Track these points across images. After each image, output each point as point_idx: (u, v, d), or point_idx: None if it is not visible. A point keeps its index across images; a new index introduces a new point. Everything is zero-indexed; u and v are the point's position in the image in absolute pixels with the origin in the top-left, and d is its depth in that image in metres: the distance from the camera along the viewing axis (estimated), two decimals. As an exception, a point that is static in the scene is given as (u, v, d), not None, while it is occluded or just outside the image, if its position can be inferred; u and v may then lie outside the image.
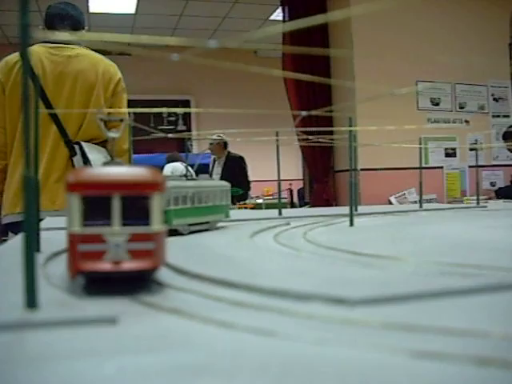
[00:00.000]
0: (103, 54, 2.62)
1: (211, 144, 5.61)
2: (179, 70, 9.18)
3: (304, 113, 1.26)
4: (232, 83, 9.36)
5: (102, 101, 2.52)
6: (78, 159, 2.46)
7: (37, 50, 2.51)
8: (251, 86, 9.36)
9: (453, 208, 2.62)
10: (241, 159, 5.85)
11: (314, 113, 1.27)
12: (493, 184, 6.15)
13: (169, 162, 5.96)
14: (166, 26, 8.60)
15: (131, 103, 2.64)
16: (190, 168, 1.45)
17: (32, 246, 0.55)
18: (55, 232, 1.23)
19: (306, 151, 6.08)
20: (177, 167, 5.72)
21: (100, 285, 0.66)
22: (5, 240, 2.39)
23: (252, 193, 7.71)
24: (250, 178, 6.34)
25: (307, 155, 6.15)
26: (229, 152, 5.76)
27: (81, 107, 2.49)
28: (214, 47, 0.62)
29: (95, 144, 2.53)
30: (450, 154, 6.06)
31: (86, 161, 2.42)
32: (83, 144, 2.47)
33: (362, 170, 4.99)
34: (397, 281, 0.70)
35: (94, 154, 2.45)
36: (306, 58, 5.97)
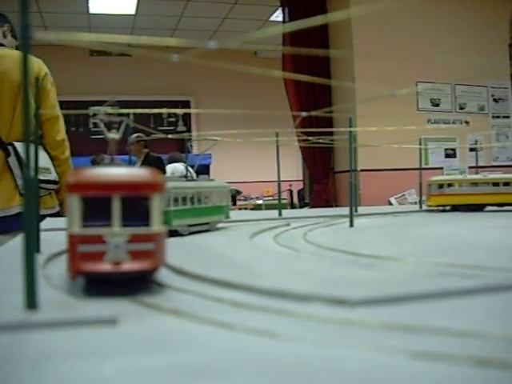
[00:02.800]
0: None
1: (131, 144, 5.49)
2: (179, 70, 9.18)
3: (304, 113, 1.26)
4: (232, 84, 9.36)
5: (31, 98, 2.49)
6: (12, 160, 2.43)
7: None
8: (251, 86, 9.37)
9: (453, 209, 2.61)
10: (158, 159, 5.66)
11: (314, 113, 1.27)
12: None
13: (170, 163, 5.90)
14: (166, 26, 8.60)
15: (131, 103, 2.63)
16: (190, 169, 1.46)
17: (32, 247, 0.55)
18: (55, 233, 1.23)
19: (306, 152, 6.08)
20: (177, 168, 5.65)
21: (100, 285, 0.66)
22: None
23: (253, 193, 7.70)
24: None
25: (307, 156, 6.15)
26: (148, 152, 5.62)
27: (9, 107, 2.49)
28: (214, 48, 0.62)
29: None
30: (450, 154, 6.06)
31: (21, 161, 2.40)
32: (16, 144, 2.47)
33: (361, 170, 4.99)
34: (396, 281, 0.70)
35: None
36: (305, 59, 5.97)
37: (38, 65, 2.56)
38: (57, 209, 2.63)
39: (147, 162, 5.42)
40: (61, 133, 2.65)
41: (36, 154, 0.92)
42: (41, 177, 2.30)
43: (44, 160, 2.50)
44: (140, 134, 5.58)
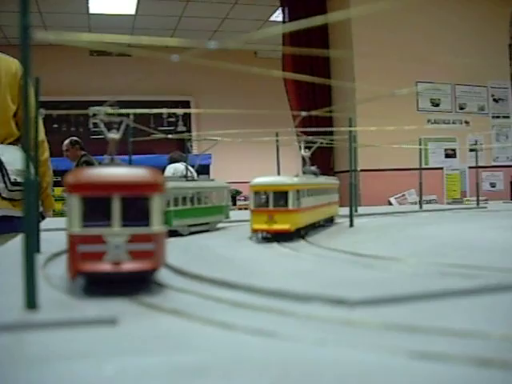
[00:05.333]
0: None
1: (66, 150, 5.45)
2: (179, 71, 9.17)
3: (304, 113, 1.26)
4: (232, 84, 9.35)
5: (9, 99, 2.47)
6: None
7: None
8: (251, 87, 9.36)
9: (453, 209, 2.62)
10: (89, 162, 5.52)
11: (314, 113, 1.27)
12: (493, 185, 6.16)
13: (171, 163, 5.79)
14: (166, 26, 8.59)
15: (131, 104, 2.62)
16: (191, 169, 1.45)
17: (32, 247, 0.55)
18: (55, 233, 1.23)
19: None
20: (178, 168, 5.52)
21: (100, 285, 0.66)
22: None
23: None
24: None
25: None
26: (83, 155, 5.54)
27: None
28: (214, 48, 0.62)
29: (10, 144, 2.46)
30: (450, 154, 6.06)
31: (1, 164, 2.36)
32: None
33: (361, 170, 4.98)
34: (397, 282, 0.70)
35: (8, 154, 2.38)
36: (305, 59, 5.97)
37: (15, 65, 2.54)
38: (39, 209, 2.60)
39: (80, 164, 5.37)
40: (40, 133, 2.62)
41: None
42: (20, 180, 2.28)
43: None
44: (73, 138, 5.58)
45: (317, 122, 5.03)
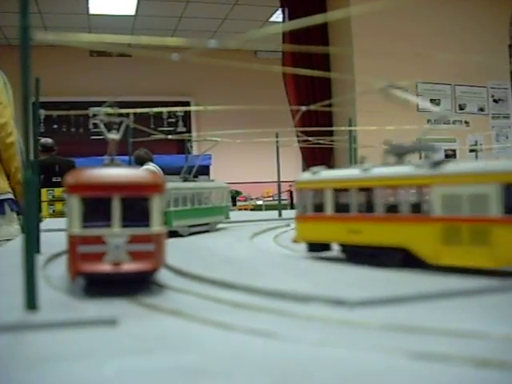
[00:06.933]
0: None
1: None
2: (179, 71, 9.16)
3: (304, 108, 1.26)
4: (232, 85, 9.35)
5: None
6: None
7: None
8: (251, 88, 9.36)
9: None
10: (42, 162, 5.50)
11: (313, 107, 1.27)
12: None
13: (138, 163, 5.26)
14: (166, 27, 8.59)
15: (131, 104, 2.61)
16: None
17: (32, 248, 0.55)
18: (55, 233, 1.23)
19: (306, 151, 6.08)
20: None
21: (100, 286, 0.66)
22: None
23: (253, 194, 7.71)
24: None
25: (307, 156, 6.15)
26: (51, 156, 5.55)
27: None
28: (214, 47, 0.62)
29: None
30: (450, 155, 6.06)
31: None
32: None
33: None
34: (396, 282, 0.70)
35: None
36: (305, 60, 5.97)
37: None
38: (9, 195, 2.58)
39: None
40: (3, 117, 2.64)
41: None
42: None
43: None
44: (46, 139, 5.63)
45: (317, 121, 5.03)
